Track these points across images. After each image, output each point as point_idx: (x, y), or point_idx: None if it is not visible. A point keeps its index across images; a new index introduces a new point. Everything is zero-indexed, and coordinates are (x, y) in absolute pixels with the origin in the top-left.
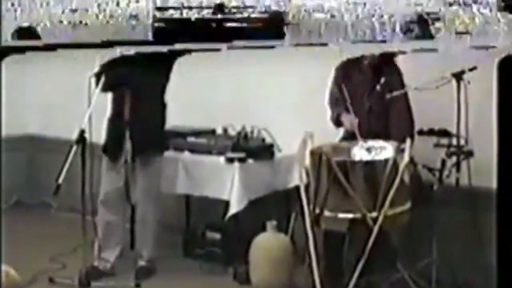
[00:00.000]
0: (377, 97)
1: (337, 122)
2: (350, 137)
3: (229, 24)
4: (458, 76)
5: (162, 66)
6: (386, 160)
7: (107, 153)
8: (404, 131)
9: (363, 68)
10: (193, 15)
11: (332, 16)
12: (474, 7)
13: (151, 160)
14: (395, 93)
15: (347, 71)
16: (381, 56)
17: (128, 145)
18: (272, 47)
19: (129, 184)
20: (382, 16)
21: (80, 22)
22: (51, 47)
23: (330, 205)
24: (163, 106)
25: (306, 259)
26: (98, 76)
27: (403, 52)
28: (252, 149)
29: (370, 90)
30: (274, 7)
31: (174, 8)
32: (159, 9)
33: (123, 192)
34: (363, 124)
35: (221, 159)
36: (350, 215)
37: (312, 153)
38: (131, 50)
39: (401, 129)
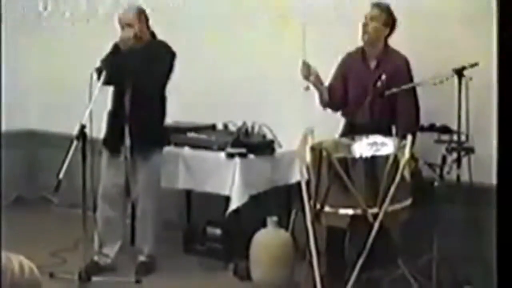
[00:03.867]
0: (381, 88)
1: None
2: (349, 132)
3: None
4: (460, 72)
5: (163, 61)
6: (387, 156)
7: (107, 146)
8: (408, 124)
9: (367, 58)
10: None
11: None
12: None
13: (150, 155)
14: (396, 90)
15: (350, 63)
16: (386, 46)
17: (127, 140)
18: None
19: (129, 179)
20: None
21: None
22: None
23: (330, 201)
24: (163, 101)
25: (307, 255)
26: (99, 70)
27: None
28: (253, 144)
29: (374, 81)
30: None
31: None
32: None
33: (123, 188)
34: (367, 115)
35: (222, 154)
36: (350, 211)
37: (313, 149)
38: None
39: (405, 122)
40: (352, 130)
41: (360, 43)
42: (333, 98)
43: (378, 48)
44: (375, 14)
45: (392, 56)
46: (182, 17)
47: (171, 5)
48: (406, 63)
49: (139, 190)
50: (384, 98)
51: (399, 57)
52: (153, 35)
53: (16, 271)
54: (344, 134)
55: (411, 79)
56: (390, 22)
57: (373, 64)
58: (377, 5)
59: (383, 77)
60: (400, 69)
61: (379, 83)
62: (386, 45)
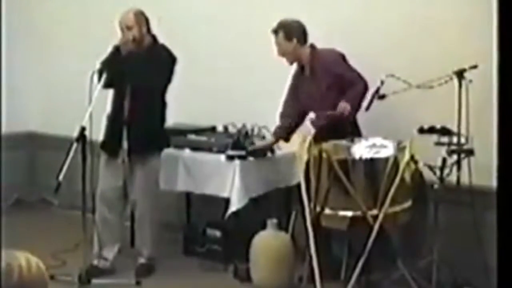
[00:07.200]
0: (323, 86)
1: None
2: (321, 137)
3: None
4: (460, 74)
5: (164, 66)
6: (387, 158)
7: (105, 149)
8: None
9: (304, 68)
10: None
11: None
12: None
13: (148, 158)
14: (390, 94)
15: (295, 77)
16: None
17: (125, 142)
18: None
19: (127, 182)
20: None
21: None
22: None
23: (330, 203)
24: (163, 105)
25: (307, 257)
26: (100, 72)
27: None
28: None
29: (314, 87)
30: None
31: None
32: None
33: (121, 190)
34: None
35: (222, 156)
36: (350, 213)
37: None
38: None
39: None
40: (321, 135)
41: None
42: (286, 113)
43: (304, 58)
44: (276, 38)
45: (320, 57)
46: (183, 20)
47: (173, 10)
48: (333, 54)
49: (137, 192)
50: (329, 100)
51: (325, 54)
52: (154, 38)
53: (24, 267)
54: (315, 139)
55: (345, 64)
56: (291, 35)
57: (307, 71)
58: (273, 31)
59: (384, 79)
60: (329, 64)
61: (379, 85)
62: (313, 49)
